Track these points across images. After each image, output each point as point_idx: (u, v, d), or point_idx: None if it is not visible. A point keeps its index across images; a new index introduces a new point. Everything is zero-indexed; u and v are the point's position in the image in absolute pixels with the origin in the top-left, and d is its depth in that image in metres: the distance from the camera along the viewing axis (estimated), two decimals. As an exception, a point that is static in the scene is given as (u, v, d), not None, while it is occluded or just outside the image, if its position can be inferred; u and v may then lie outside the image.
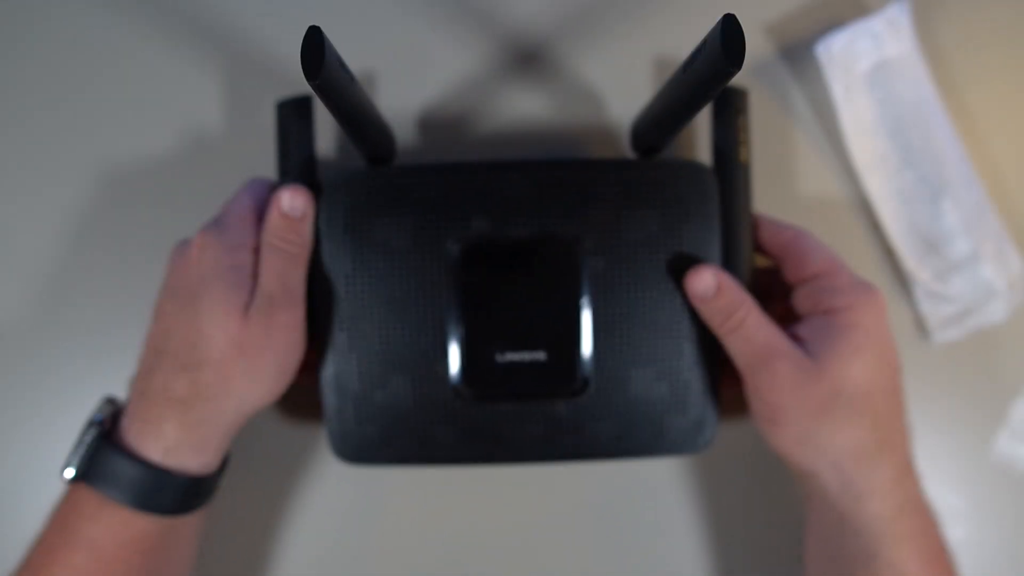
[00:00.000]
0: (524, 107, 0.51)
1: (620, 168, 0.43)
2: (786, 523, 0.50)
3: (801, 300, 0.43)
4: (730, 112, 0.44)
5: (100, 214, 0.51)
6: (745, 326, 0.40)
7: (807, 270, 0.42)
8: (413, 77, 0.51)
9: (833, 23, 0.51)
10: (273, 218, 0.41)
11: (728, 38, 0.30)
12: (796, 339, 0.41)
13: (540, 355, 0.43)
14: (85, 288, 0.50)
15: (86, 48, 0.51)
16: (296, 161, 0.44)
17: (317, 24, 0.31)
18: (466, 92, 0.51)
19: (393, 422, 0.44)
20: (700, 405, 0.44)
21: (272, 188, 0.44)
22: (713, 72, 0.31)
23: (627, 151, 0.48)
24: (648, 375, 0.43)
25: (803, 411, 0.39)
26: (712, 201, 0.43)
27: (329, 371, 0.43)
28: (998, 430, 0.50)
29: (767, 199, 0.50)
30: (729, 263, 0.44)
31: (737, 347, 0.41)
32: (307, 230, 0.41)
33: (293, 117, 0.44)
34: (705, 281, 0.41)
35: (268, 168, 0.48)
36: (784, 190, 0.51)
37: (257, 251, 0.41)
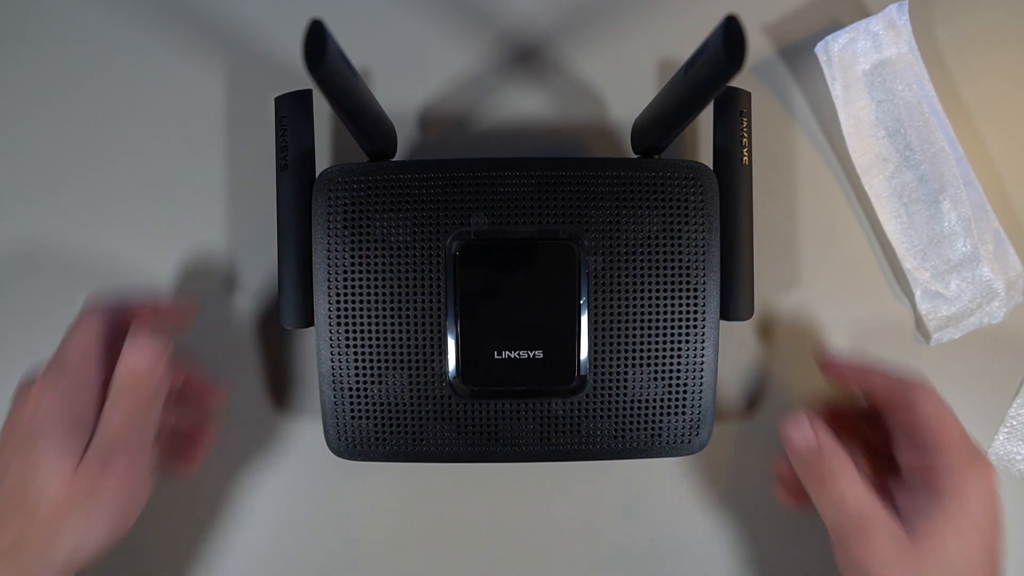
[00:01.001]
0: (525, 105, 0.51)
1: (620, 167, 0.43)
2: (781, 524, 0.50)
3: (904, 451, 0.40)
4: (731, 112, 0.44)
5: (103, 209, 0.50)
6: (837, 485, 0.38)
7: (916, 425, 0.39)
8: (415, 74, 0.51)
9: (833, 23, 0.51)
10: (125, 366, 0.39)
11: (730, 39, 0.30)
12: (889, 499, 0.39)
13: (538, 353, 0.43)
14: (88, 285, 0.50)
15: (87, 44, 0.51)
16: (295, 155, 0.44)
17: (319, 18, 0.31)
18: (467, 89, 0.51)
19: (389, 418, 0.44)
20: (697, 406, 0.44)
21: (119, 307, 0.43)
22: (714, 73, 0.31)
23: (628, 151, 0.48)
24: (645, 375, 0.43)
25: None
26: (713, 201, 0.43)
27: (326, 366, 0.43)
28: (996, 429, 0.50)
29: (767, 199, 0.50)
30: (729, 263, 0.44)
31: (826, 508, 0.38)
32: (162, 372, 0.40)
33: (292, 111, 0.44)
34: (804, 435, 0.39)
35: (269, 161, 0.48)
36: (784, 190, 0.51)
37: (104, 386, 0.39)
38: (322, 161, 0.50)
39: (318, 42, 0.30)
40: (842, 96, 0.49)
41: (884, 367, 0.42)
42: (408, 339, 0.43)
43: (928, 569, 0.36)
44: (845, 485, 0.38)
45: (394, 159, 0.46)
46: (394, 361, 0.43)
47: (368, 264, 0.43)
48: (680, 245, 0.43)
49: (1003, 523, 0.38)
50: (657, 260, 0.43)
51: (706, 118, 0.48)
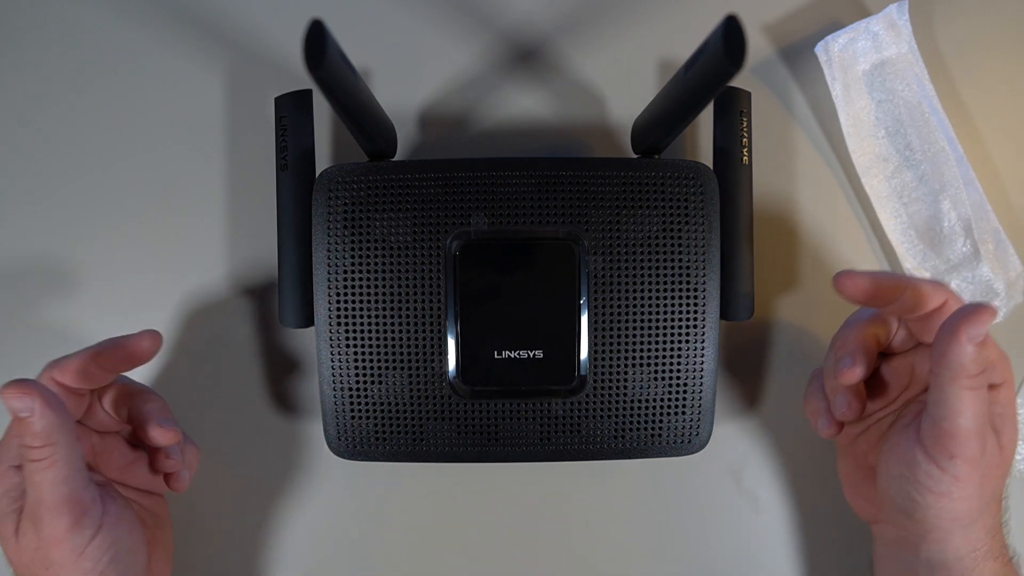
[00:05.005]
0: (525, 105, 0.51)
1: (620, 167, 0.43)
2: (781, 523, 0.50)
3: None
4: (731, 112, 0.44)
5: (103, 209, 0.50)
6: (984, 385, 0.36)
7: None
8: (415, 74, 0.51)
9: (833, 23, 0.51)
10: (12, 426, 0.38)
11: (730, 38, 0.30)
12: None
13: (538, 353, 0.43)
14: (88, 285, 0.50)
15: (87, 46, 0.51)
16: (295, 155, 0.44)
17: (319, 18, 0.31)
18: (467, 89, 0.51)
19: (388, 418, 0.44)
20: (697, 406, 0.44)
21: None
22: (714, 72, 0.31)
23: (628, 151, 0.48)
24: (645, 375, 0.43)
25: (982, 488, 0.37)
26: (713, 201, 0.43)
27: (326, 366, 0.43)
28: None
29: (767, 199, 0.50)
30: (729, 263, 0.44)
31: (973, 406, 0.35)
32: (47, 428, 0.35)
33: (292, 111, 0.44)
34: (983, 320, 0.34)
35: (269, 161, 0.48)
36: (784, 190, 0.51)
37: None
38: (322, 161, 0.50)
39: (318, 42, 0.30)
40: (842, 96, 0.49)
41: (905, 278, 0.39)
42: (408, 339, 0.43)
43: (1005, 467, 0.38)
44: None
45: (394, 159, 0.46)
46: (394, 361, 0.43)
47: (368, 264, 0.43)
48: (680, 245, 0.43)
49: None
50: (657, 260, 0.43)
51: (706, 118, 0.48)
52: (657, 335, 0.43)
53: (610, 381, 0.43)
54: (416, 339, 0.43)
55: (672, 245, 0.43)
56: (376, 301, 0.43)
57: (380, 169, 0.43)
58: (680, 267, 0.43)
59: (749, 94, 0.45)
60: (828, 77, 0.49)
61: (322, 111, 0.49)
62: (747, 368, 0.50)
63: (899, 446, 0.39)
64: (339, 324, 0.43)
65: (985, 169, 0.50)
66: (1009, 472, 0.39)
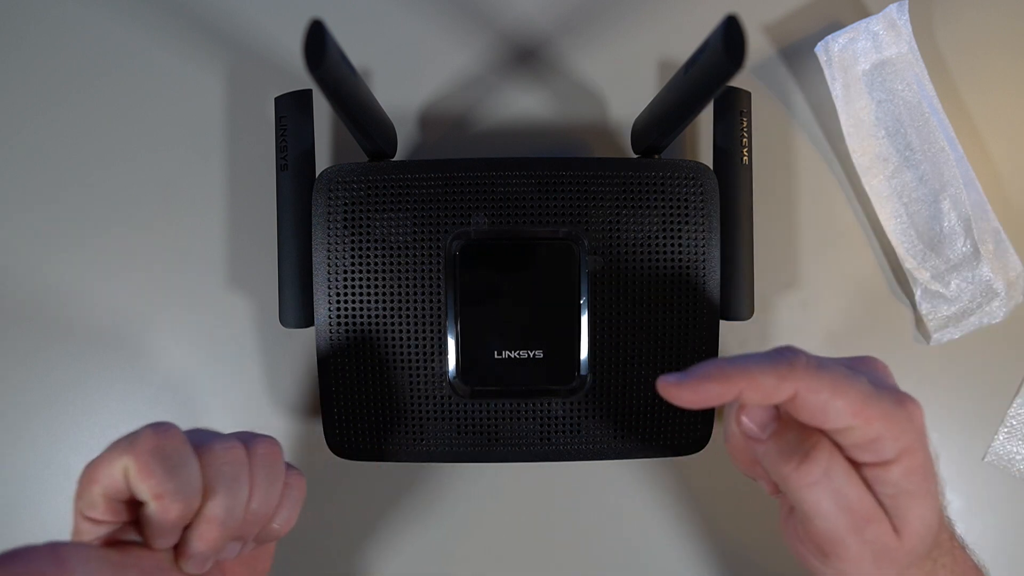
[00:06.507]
0: (525, 105, 0.51)
1: (621, 167, 0.43)
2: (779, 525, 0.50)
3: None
4: (732, 112, 0.44)
5: (103, 209, 0.50)
6: (833, 475, 0.31)
7: (832, 424, 0.31)
8: (415, 74, 0.51)
9: (833, 23, 0.51)
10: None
11: (730, 38, 0.30)
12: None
13: (538, 353, 0.43)
14: (88, 284, 0.50)
15: (86, 47, 0.51)
16: (295, 155, 0.44)
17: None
18: (468, 89, 0.51)
19: (388, 418, 0.44)
20: (698, 405, 0.44)
21: None
22: (714, 72, 0.31)
23: (628, 151, 0.48)
24: (646, 375, 0.43)
25: (884, 570, 0.32)
26: (713, 201, 0.43)
27: (326, 366, 0.43)
28: (996, 429, 0.50)
29: (767, 199, 0.50)
30: (729, 263, 0.44)
31: (819, 504, 0.31)
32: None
33: (292, 111, 0.44)
34: (746, 411, 0.32)
35: (269, 161, 0.48)
36: (784, 190, 0.51)
37: None
38: (322, 161, 0.50)
39: (318, 42, 0.30)
40: (842, 96, 0.49)
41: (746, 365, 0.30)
42: (408, 339, 0.43)
43: (912, 550, 0.32)
44: (841, 471, 0.31)
45: (394, 159, 0.46)
46: (394, 361, 0.43)
47: (368, 264, 0.43)
48: (680, 245, 0.43)
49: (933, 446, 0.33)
50: (657, 260, 0.43)
51: (706, 118, 0.48)
52: (657, 335, 0.43)
53: (610, 381, 0.43)
54: (416, 339, 0.43)
55: (672, 245, 0.43)
56: (376, 301, 0.43)
57: (380, 169, 0.43)
58: (680, 267, 0.43)
59: (749, 94, 0.45)
60: (828, 77, 0.49)
61: (322, 111, 0.49)
62: (747, 368, 0.50)
63: (786, 534, 0.36)
64: (339, 324, 0.43)
65: (985, 169, 0.50)
66: (933, 541, 0.33)
